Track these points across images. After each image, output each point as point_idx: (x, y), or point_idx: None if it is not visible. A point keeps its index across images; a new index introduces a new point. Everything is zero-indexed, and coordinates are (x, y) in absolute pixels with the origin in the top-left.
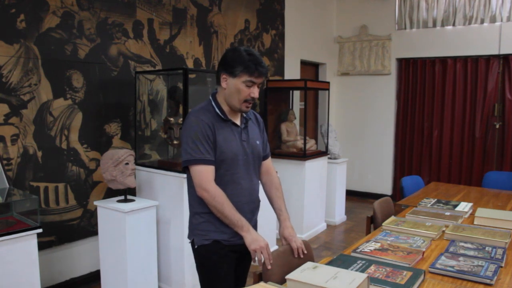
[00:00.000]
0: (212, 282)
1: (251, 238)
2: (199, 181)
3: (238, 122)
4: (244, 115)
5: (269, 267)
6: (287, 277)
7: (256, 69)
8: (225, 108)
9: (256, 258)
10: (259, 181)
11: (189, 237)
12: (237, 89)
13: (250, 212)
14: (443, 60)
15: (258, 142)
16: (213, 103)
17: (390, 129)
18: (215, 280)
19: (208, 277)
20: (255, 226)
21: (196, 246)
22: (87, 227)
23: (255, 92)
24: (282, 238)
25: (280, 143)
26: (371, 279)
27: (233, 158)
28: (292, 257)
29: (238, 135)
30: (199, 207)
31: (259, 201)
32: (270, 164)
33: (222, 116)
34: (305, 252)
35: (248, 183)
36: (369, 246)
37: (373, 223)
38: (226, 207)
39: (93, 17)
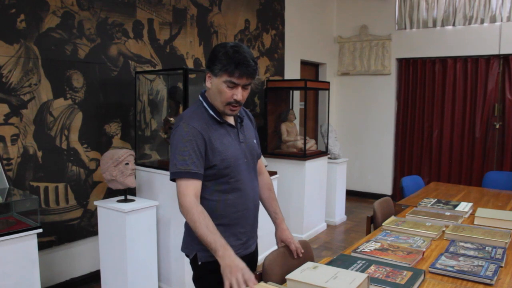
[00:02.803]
0: None
1: (224, 264)
2: (178, 195)
3: (233, 122)
4: (238, 113)
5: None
6: (287, 277)
7: (236, 68)
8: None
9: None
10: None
11: (186, 250)
12: (219, 90)
13: (254, 218)
14: (443, 60)
15: (255, 142)
16: (205, 105)
17: (390, 129)
18: None
19: None
20: (255, 229)
21: (199, 263)
22: (87, 227)
23: (238, 94)
24: (279, 241)
25: (280, 143)
26: (371, 279)
27: (235, 164)
28: (292, 258)
29: (235, 137)
30: None
31: (259, 205)
32: (262, 163)
33: (218, 119)
34: (302, 251)
35: (251, 189)
36: (369, 246)
37: (373, 223)
38: (199, 226)
39: (93, 17)
